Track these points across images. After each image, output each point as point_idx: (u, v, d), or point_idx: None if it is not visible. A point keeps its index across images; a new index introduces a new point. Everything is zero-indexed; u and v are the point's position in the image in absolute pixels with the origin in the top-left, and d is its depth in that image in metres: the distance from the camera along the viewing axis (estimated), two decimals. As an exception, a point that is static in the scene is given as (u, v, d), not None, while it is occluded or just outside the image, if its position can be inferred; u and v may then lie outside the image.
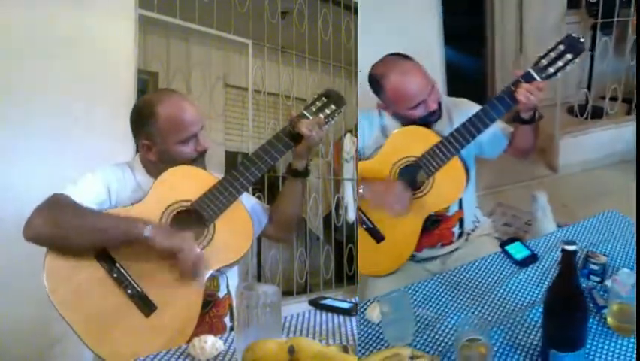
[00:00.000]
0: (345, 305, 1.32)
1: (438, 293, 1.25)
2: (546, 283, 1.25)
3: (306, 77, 3.33)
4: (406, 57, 1.48)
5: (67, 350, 2.01)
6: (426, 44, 2.58)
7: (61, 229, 1.16)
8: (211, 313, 1.33)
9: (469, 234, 1.62)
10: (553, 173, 3.16)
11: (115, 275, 1.20)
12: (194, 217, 1.28)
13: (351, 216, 3.63)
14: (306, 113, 1.38)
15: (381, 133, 1.54)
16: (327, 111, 1.40)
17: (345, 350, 0.89)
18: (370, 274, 1.58)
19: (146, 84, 3.25)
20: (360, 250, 1.53)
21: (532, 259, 1.37)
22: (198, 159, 1.34)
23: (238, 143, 3.82)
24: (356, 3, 3.34)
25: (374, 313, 1.14)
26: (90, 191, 1.25)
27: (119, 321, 1.18)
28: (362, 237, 1.52)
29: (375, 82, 1.48)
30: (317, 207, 3.59)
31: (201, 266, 1.22)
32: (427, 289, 1.27)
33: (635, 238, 1.43)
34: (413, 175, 1.49)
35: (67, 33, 2.15)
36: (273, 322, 0.94)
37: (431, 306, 1.19)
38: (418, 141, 1.45)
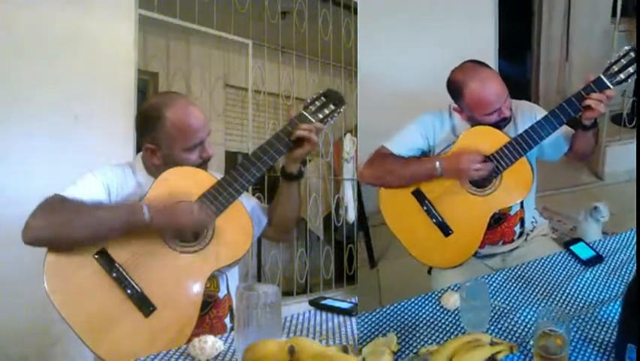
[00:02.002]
0: (345, 305, 1.32)
1: (507, 287, 1.28)
2: (614, 282, 1.28)
3: (306, 77, 3.33)
4: (484, 65, 1.54)
5: (67, 350, 2.01)
6: (480, 51, 2.57)
7: (60, 227, 1.16)
8: (211, 314, 1.32)
9: (528, 234, 1.67)
10: (598, 180, 3.16)
11: (114, 275, 1.19)
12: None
13: (351, 216, 3.63)
14: (305, 113, 1.38)
15: (452, 132, 1.60)
16: (327, 111, 1.40)
17: (345, 350, 0.89)
18: (437, 265, 1.64)
19: (146, 84, 3.26)
20: (428, 242, 1.59)
21: (597, 259, 1.39)
22: (202, 166, 1.34)
23: (238, 143, 3.83)
24: (356, 3, 3.35)
25: (449, 301, 1.19)
26: (90, 191, 1.25)
27: (119, 321, 1.18)
28: (430, 230, 1.58)
29: (455, 87, 1.53)
30: (317, 207, 3.59)
31: (203, 219, 1.23)
32: (496, 282, 1.31)
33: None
34: None
35: (67, 33, 2.15)
36: (273, 322, 0.94)
37: (501, 298, 1.23)
38: (487, 141, 1.51)
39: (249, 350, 0.87)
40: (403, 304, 1.22)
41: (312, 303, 1.37)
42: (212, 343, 1.01)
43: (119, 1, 2.31)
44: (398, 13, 2.58)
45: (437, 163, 1.50)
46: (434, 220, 1.58)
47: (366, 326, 1.15)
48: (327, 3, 3.37)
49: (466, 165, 1.47)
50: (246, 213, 1.33)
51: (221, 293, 1.36)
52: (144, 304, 1.19)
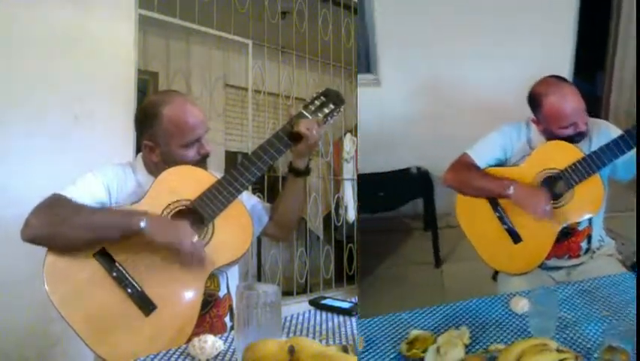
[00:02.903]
0: (345, 305, 1.32)
1: (573, 299, 1.29)
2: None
3: (306, 77, 3.33)
4: (564, 80, 1.60)
5: (67, 351, 2.01)
6: (555, 66, 2.55)
7: (58, 227, 1.16)
8: (211, 313, 1.32)
9: (594, 251, 1.68)
10: (665, 204, 3.12)
11: (114, 274, 1.19)
12: (193, 216, 1.27)
13: (351, 216, 3.63)
14: (304, 112, 1.38)
15: (528, 144, 1.65)
16: (326, 110, 1.40)
17: (345, 350, 0.89)
18: (504, 270, 1.67)
19: (146, 84, 3.27)
20: (497, 247, 1.63)
21: None
22: (200, 163, 1.34)
23: (238, 143, 3.83)
24: (356, 3, 3.35)
25: (518, 304, 1.22)
26: (90, 191, 1.25)
27: (119, 320, 1.18)
28: (501, 235, 1.63)
29: (535, 99, 1.59)
30: (317, 207, 3.59)
31: (200, 254, 1.22)
32: (562, 293, 1.32)
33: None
34: (554, 186, 1.58)
35: (68, 33, 2.15)
36: (273, 322, 0.94)
37: (567, 310, 1.24)
38: (562, 155, 1.55)
39: (249, 349, 0.87)
40: (474, 302, 1.25)
41: (312, 303, 1.36)
42: (212, 342, 1.01)
43: (119, 1, 2.32)
44: (481, 27, 2.60)
45: (511, 188, 1.54)
46: (505, 227, 1.62)
47: (440, 317, 1.19)
48: (327, 3, 3.37)
49: (535, 206, 1.52)
50: (245, 212, 1.33)
51: (222, 292, 1.36)
52: (144, 304, 1.19)
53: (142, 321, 1.19)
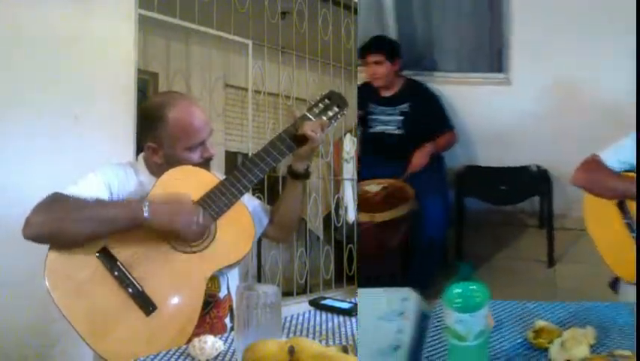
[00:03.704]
0: (345, 305, 1.32)
1: None
2: None
3: (306, 77, 3.34)
4: None
5: (67, 350, 2.01)
6: None
7: (59, 222, 1.16)
8: (212, 314, 1.32)
9: None
10: None
11: (116, 274, 1.19)
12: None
13: (351, 216, 3.64)
14: (309, 115, 1.38)
15: None
16: (330, 113, 1.40)
17: (345, 350, 0.89)
18: (628, 278, 1.61)
19: (146, 84, 3.27)
20: (623, 254, 1.59)
21: None
22: (204, 166, 1.34)
23: (238, 143, 3.84)
24: (356, 3, 3.35)
25: None
26: (91, 190, 1.25)
27: (120, 320, 1.18)
28: (628, 243, 1.60)
29: None
30: (317, 207, 3.59)
31: (204, 226, 1.24)
32: None
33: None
34: None
35: (68, 33, 2.15)
36: (273, 322, 0.94)
37: None
38: None
39: (249, 350, 0.87)
40: (598, 304, 1.23)
41: (312, 303, 1.37)
42: (212, 343, 1.01)
43: (119, 1, 2.31)
44: (616, 28, 2.52)
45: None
46: (633, 235, 1.58)
47: (563, 313, 1.18)
48: (327, 3, 3.37)
49: None
50: (247, 213, 1.33)
51: (222, 293, 1.36)
52: (145, 304, 1.19)
53: (142, 321, 1.19)
